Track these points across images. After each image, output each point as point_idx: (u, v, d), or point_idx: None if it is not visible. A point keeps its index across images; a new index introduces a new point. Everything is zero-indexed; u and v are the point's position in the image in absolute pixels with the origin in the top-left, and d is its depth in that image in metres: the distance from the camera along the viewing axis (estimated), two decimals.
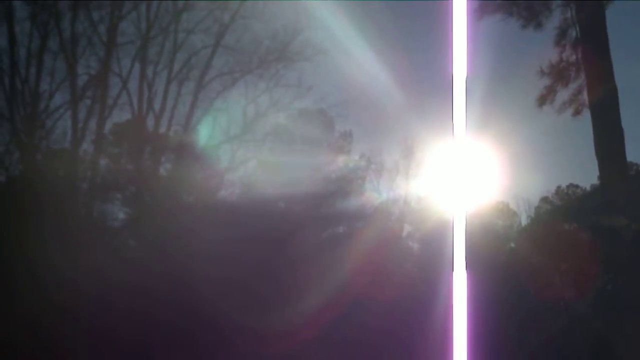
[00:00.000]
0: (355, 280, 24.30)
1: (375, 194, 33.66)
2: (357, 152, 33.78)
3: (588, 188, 31.46)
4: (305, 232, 27.41)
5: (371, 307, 23.47)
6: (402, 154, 32.17)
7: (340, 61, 29.42)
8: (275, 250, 25.12)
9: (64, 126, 28.39)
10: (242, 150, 30.92)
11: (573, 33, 22.36)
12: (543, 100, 23.66)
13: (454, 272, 7.68)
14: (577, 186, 33.90)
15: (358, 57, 27.99)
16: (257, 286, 23.65)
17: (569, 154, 29.97)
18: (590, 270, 19.17)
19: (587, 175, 23.55)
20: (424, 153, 30.40)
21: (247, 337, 21.78)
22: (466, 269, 7.57)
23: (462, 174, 8.17)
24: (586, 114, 20.60)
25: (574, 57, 22.68)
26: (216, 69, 30.35)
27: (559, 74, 23.19)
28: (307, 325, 22.73)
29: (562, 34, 22.95)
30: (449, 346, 7.69)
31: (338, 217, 30.67)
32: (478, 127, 20.37)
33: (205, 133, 26.08)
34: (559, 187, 35.13)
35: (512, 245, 30.46)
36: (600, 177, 19.54)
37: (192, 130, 30.14)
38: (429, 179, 30.94)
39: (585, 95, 21.13)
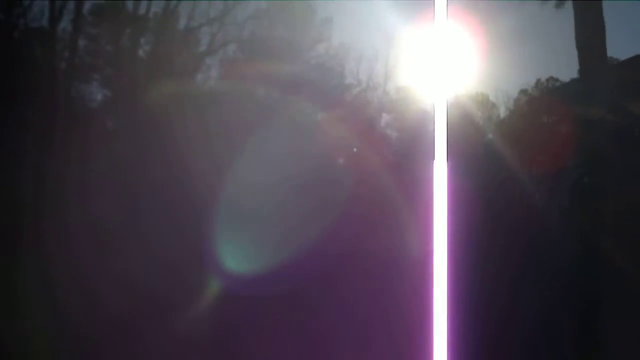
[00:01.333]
0: (332, 166, 24.43)
1: (354, 82, 33.59)
2: (337, 40, 33.52)
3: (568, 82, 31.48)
4: (283, 117, 27.41)
5: (348, 193, 23.64)
6: (382, 43, 31.95)
7: None
8: (251, 134, 25.14)
9: (42, 4, 27.97)
10: (221, 33, 30.69)
11: None
12: None
13: (434, 161, 7.76)
14: (556, 79, 33.87)
15: None
16: (234, 172, 23.72)
17: (551, 46, 29.91)
18: (567, 162, 19.35)
19: (568, 69, 23.66)
20: (404, 42, 30.18)
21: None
22: (447, 158, 7.67)
23: (443, 63, 8.23)
24: (569, 6, 20.52)
25: None
26: None
27: None
28: (280, 213, 22.89)
29: None
30: (429, 232, 7.81)
31: (316, 104, 30.60)
32: (459, 16, 20.31)
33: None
34: (538, 80, 35.13)
35: (490, 136, 30.56)
36: (580, 70, 19.60)
37: (171, 12, 29.83)
38: (409, 68, 30.81)
39: None
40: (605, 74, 18.98)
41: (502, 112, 34.21)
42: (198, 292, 21.20)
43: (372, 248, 22.25)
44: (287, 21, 31.26)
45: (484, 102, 33.35)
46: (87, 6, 29.27)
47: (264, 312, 20.58)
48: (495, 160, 23.34)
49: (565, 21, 20.99)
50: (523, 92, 34.48)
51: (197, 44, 31.00)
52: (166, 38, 29.75)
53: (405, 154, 25.74)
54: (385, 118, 33.71)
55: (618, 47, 27.68)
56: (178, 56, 29.48)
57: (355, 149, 25.87)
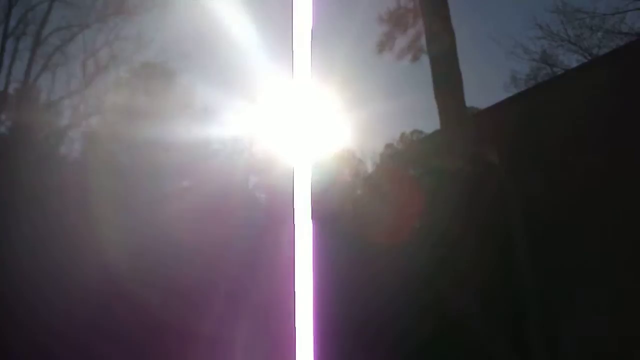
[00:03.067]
0: (203, 232, 24.44)
1: (220, 146, 33.73)
2: (201, 105, 33.69)
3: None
4: (150, 185, 27.39)
5: (219, 256, 23.66)
6: (247, 105, 32.22)
7: (180, 13, 29.39)
8: (118, 205, 25.04)
9: None
10: (83, 105, 30.62)
11: None
12: (383, 46, 24.20)
13: (297, 223, 7.82)
14: (420, 132, 34.58)
15: (198, 8, 27.99)
16: (99, 241, 23.58)
17: (413, 100, 30.61)
18: (433, 215, 19.68)
19: (431, 121, 24.24)
20: (269, 103, 30.50)
21: None
22: (312, 218, 7.73)
23: (308, 122, 8.29)
24: (425, 60, 21.02)
25: (411, 3, 23.21)
26: (54, 23, 29.90)
27: (397, 21, 23.74)
28: (149, 277, 22.80)
29: None
30: (291, 293, 7.89)
31: (182, 169, 30.65)
32: (322, 77, 20.64)
33: None
34: (403, 133, 35.83)
35: (359, 192, 30.92)
36: (440, 122, 19.96)
37: (31, 86, 29.65)
38: (275, 129, 31.07)
39: (423, 41, 21.55)
40: (463, 124, 19.34)
41: (369, 168, 34.77)
42: None
43: (241, 306, 22.33)
44: (148, 89, 31.29)
45: (350, 159, 33.84)
46: None
47: None
48: (363, 217, 23.65)
49: (424, 75, 21.45)
50: (388, 146, 35.08)
51: (58, 117, 30.82)
52: (28, 112, 29.48)
53: (274, 215, 25.87)
54: (252, 180, 33.93)
55: (478, 98, 28.52)
56: (40, 130, 29.22)
57: (223, 212, 25.93)
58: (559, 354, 15.59)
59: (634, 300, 13.72)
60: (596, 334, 14.70)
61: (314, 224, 7.79)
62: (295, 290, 7.68)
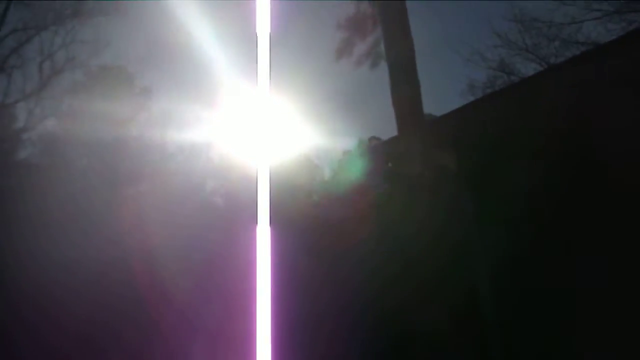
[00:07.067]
0: (156, 236, 24.44)
1: (177, 149, 33.77)
2: (158, 109, 33.72)
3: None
4: (106, 190, 27.31)
5: (174, 262, 23.66)
6: (205, 109, 32.28)
7: (138, 17, 29.40)
8: (74, 208, 24.95)
9: None
10: (39, 108, 30.50)
11: None
12: (341, 52, 24.34)
13: (257, 227, 7.97)
14: (378, 138, 34.69)
15: (156, 13, 28.02)
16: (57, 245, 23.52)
17: (371, 107, 30.77)
18: (389, 218, 19.85)
19: (388, 128, 24.34)
20: (227, 108, 30.57)
21: None
22: (270, 223, 7.89)
23: (266, 128, 8.42)
24: (384, 67, 21.13)
25: (370, 10, 23.38)
26: (10, 25, 29.79)
27: (355, 27, 23.90)
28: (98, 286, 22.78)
29: None
30: (252, 300, 8.01)
31: (139, 174, 30.65)
32: (281, 82, 20.76)
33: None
34: (360, 139, 35.94)
35: (315, 198, 31.02)
36: (398, 128, 20.08)
37: None
38: (233, 133, 31.15)
39: (382, 48, 21.70)
40: (421, 130, 19.49)
41: (327, 173, 34.88)
42: None
43: (201, 307, 22.39)
44: (105, 93, 31.27)
45: (308, 165, 33.92)
46: None
47: None
48: (320, 221, 23.76)
49: (382, 81, 21.55)
50: (346, 152, 35.17)
51: (13, 120, 30.66)
52: None
53: (231, 220, 25.92)
54: (210, 185, 33.96)
55: (435, 104, 28.75)
56: None
57: (179, 217, 25.94)
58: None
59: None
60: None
61: (272, 228, 7.96)
62: (256, 291, 7.85)
